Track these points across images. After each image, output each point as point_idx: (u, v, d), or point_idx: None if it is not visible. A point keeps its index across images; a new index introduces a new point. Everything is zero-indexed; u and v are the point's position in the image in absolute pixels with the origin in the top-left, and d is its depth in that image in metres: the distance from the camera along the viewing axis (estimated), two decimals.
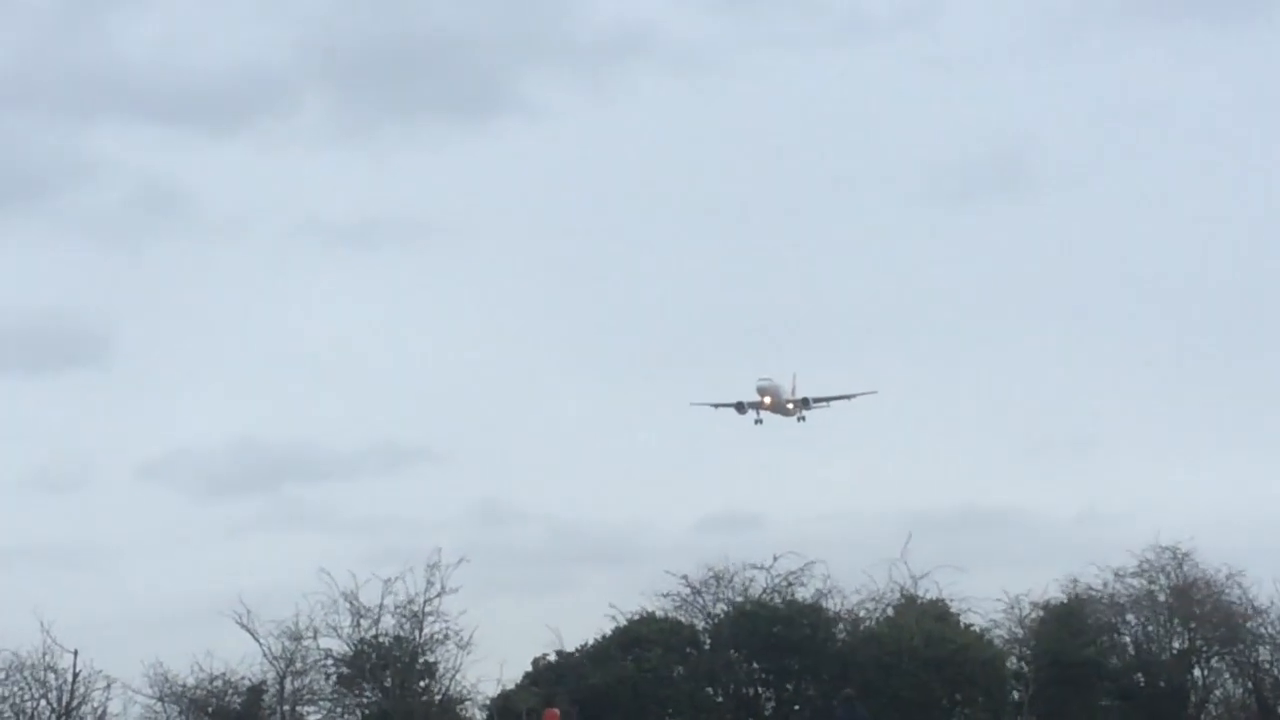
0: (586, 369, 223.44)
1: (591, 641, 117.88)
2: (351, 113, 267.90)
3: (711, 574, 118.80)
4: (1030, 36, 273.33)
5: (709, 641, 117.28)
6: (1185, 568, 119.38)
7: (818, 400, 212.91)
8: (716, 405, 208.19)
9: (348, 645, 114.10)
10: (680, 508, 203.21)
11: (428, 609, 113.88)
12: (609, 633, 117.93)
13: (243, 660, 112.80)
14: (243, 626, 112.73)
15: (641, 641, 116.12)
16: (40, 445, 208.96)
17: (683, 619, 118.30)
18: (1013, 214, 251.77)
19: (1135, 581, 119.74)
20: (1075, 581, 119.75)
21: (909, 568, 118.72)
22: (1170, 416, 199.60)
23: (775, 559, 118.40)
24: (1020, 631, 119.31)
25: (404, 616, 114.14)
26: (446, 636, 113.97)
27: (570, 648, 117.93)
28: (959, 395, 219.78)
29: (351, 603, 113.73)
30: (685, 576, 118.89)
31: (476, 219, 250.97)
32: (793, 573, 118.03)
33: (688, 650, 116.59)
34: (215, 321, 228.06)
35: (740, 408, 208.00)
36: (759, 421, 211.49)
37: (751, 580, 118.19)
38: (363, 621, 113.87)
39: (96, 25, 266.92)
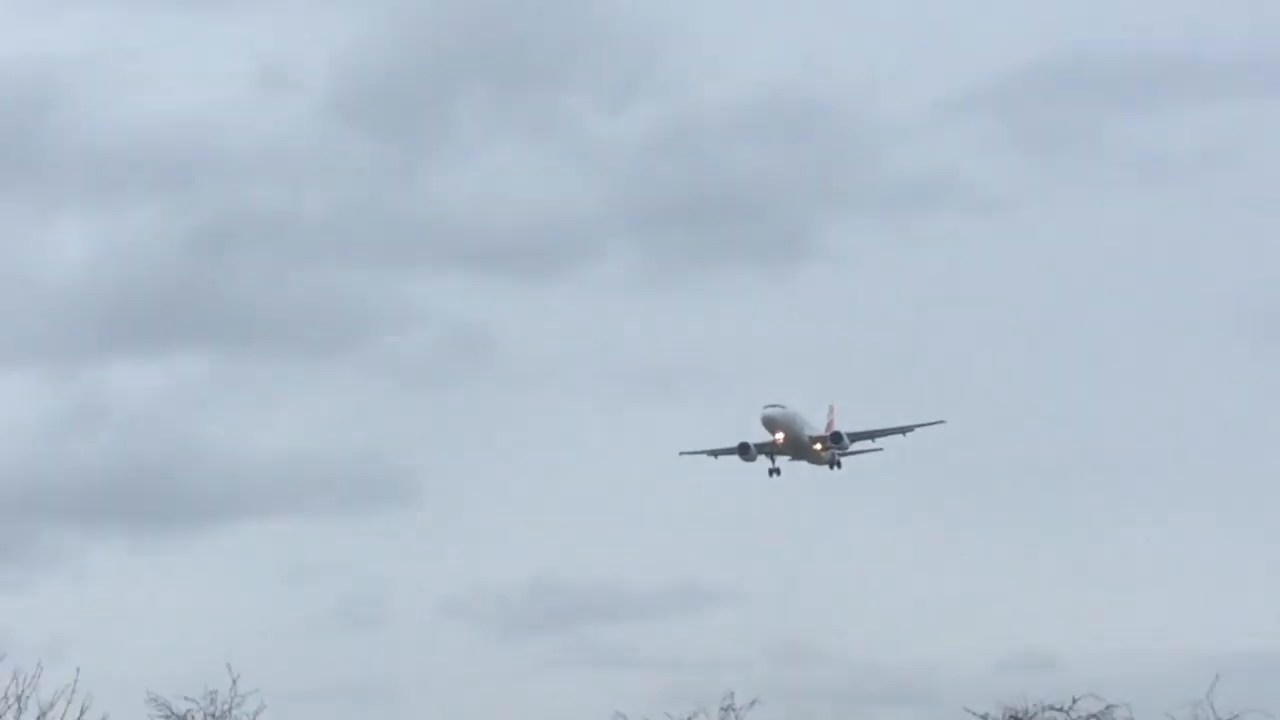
0: (882, 512, 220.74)
1: None
2: (656, 261, 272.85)
3: (1010, 715, 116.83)
4: None
5: None
6: None
7: (857, 435, 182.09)
8: (715, 453, 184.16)
9: None
10: (977, 647, 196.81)
11: None
12: None
13: None
14: None
15: None
16: (348, 583, 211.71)
17: None
18: None
19: None
20: None
21: (1215, 711, 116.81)
22: None
23: (1075, 701, 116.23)
24: None
25: None
26: None
27: None
28: (1266, 534, 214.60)
29: None
30: (985, 716, 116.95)
31: (779, 362, 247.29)
32: (1094, 715, 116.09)
33: None
34: (519, 463, 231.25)
35: (745, 451, 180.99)
36: (776, 472, 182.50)
37: None
38: None
39: (415, 176, 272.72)
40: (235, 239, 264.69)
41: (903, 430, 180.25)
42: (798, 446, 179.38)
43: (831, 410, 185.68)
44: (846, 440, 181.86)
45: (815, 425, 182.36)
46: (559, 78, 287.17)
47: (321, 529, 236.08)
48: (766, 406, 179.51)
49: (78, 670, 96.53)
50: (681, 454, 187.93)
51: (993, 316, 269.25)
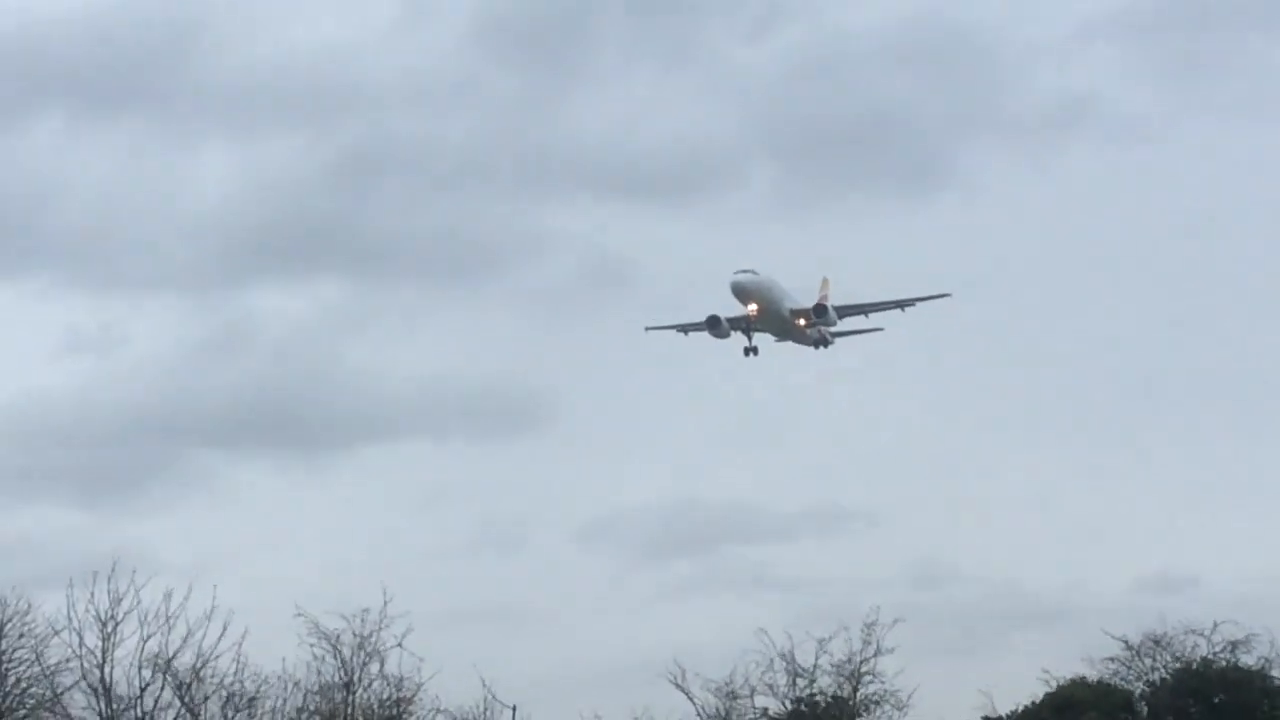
0: (1019, 432, 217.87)
1: (1023, 707, 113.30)
2: (796, 188, 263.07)
3: (1149, 639, 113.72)
4: None
5: (1146, 707, 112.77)
6: None
7: (846, 310, 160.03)
8: (684, 328, 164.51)
9: (783, 704, 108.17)
10: (1114, 568, 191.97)
11: (864, 669, 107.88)
12: (1041, 697, 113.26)
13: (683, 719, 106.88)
14: (677, 686, 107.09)
15: (1075, 705, 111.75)
16: (486, 507, 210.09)
17: (1119, 684, 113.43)
18: None
19: None
20: None
21: None
22: None
23: (1215, 625, 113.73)
24: None
25: (841, 676, 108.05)
26: (882, 699, 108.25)
27: (1001, 711, 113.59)
28: None
29: (788, 662, 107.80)
30: (1124, 639, 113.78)
31: (913, 290, 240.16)
32: (1237, 641, 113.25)
33: (1123, 716, 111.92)
34: (656, 387, 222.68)
35: (715, 326, 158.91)
36: (752, 351, 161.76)
37: (1193, 646, 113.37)
38: (799, 681, 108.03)
39: (554, 105, 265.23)
40: (376, 167, 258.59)
41: (900, 305, 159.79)
42: (777, 321, 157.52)
43: (825, 284, 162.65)
44: (833, 315, 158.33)
45: (797, 297, 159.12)
46: (699, 4, 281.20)
47: (461, 453, 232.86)
48: (736, 272, 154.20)
49: (214, 588, 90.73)
50: (648, 329, 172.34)
51: (1131, 243, 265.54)
